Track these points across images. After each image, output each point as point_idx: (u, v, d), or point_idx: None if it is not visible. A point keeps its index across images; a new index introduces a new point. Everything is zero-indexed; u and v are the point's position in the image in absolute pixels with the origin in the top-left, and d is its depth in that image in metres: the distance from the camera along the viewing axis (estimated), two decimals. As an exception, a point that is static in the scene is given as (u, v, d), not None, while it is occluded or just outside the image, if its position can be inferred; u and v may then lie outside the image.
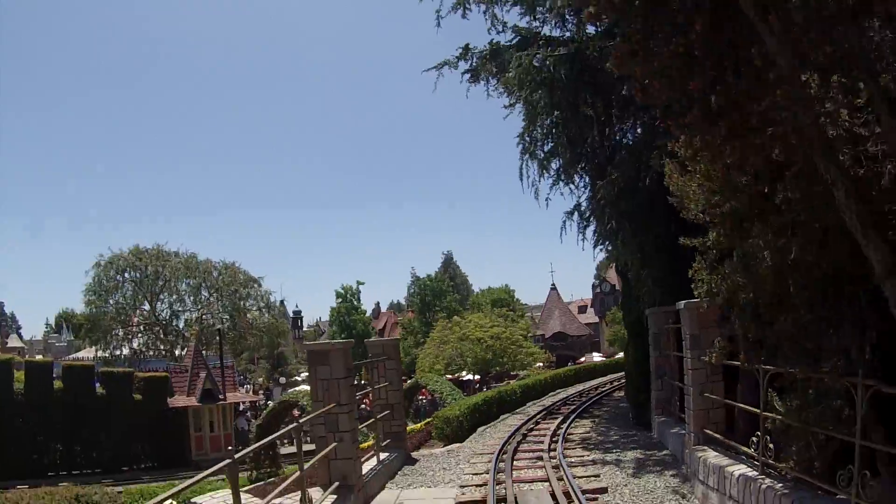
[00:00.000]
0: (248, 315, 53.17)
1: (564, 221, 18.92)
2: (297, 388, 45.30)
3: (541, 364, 49.24)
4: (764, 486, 7.42)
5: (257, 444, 11.48)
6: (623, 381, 25.32)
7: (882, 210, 5.39)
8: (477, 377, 44.88)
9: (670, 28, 5.52)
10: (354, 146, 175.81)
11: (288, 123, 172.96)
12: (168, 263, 50.88)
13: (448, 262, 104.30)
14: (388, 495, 10.99)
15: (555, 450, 14.12)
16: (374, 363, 13.81)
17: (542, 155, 17.00)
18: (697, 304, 9.33)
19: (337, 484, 9.36)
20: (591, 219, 16.92)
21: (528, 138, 16.76)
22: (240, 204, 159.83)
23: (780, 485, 7.25)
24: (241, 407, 42.52)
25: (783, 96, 4.99)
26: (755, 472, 8.01)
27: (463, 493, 10.72)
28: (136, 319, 50.93)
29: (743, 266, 6.72)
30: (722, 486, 8.82)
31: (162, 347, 50.43)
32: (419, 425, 23.10)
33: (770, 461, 7.75)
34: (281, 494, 7.68)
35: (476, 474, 12.20)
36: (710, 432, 10.10)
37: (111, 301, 50.32)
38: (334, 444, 9.50)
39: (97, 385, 34.44)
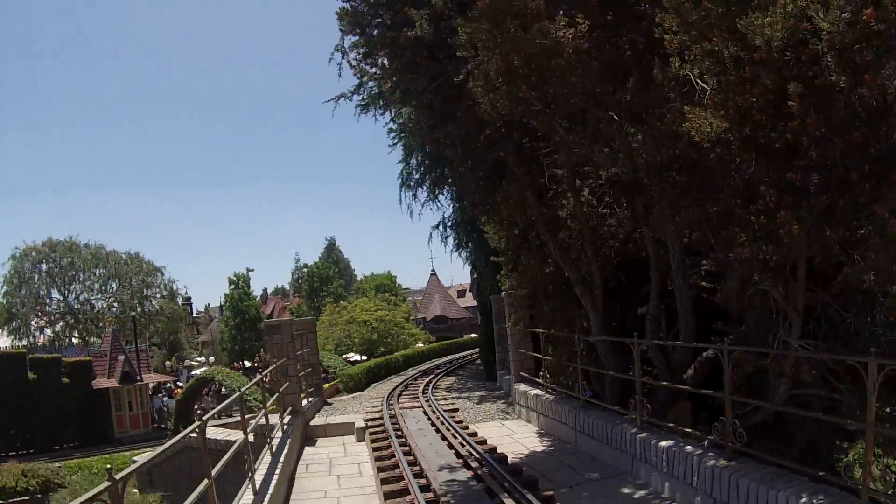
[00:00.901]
0: (153, 303, 56.92)
1: (431, 233, 25.64)
2: (197, 371, 50.05)
3: (421, 344, 53.57)
4: (545, 398, 13.63)
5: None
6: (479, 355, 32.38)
7: (571, 252, 11.59)
8: (364, 357, 50.34)
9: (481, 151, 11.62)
10: (240, 124, 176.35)
11: (173, 97, 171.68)
12: (79, 255, 53.93)
13: (331, 248, 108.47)
14: (319, 419, 16.61)
15: (427, 392, 20.49)
16: (302, 335, 19.45)
17: (414, 183, 23.36)
18: (513, 293, 15.48)
19: (290, 408, 15.03)
20: (451, 232, 23.42)
21: (405, 174, 22.98)
22: (118, 182, 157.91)
23: (553, 397, 13.47)
24: (151, 387, 45.14)
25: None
26: (542, 392, 14.22)
27: (367, 416, 16.57)
28: (50, 309, 53.39)
29: (519, 275, 12.82)
30: (527, 402, 15.00)
31: (75, 335, 53.28)
32: (327, 385, 29.09)
33: (549, 385, 13.97)
34: (252, 420, 13.19)
35: (374, 408, 18.14)
36: (523, 374, 16.32)
37: (25, 291, 52.87)
38: (286, 384, 15.10)
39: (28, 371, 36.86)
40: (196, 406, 36.41)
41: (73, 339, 53.32)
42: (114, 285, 55.82)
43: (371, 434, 14.19)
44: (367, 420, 15.82)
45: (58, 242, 54.25)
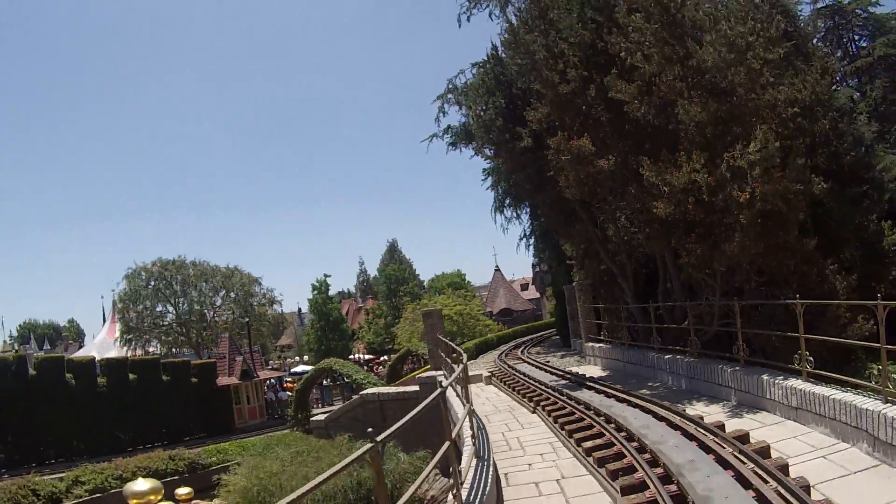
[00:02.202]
0: (256, 309, 65.57)
1: (518, 243, 35.56)
2: (298, 368, 60.15)
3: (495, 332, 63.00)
4: (605, 347, 22.98)
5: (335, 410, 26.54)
6: (553, 333, 41.83)
7: (615, 256, 20.93)
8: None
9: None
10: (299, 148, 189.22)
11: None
12: (187, 272, 62.86)
13: (393, 250, 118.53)
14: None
15: (523, 355, 30.15)
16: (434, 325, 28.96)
17: (504, 208, 33.11)
18: (581, 283, 24.87)
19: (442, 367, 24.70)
20: (532, 242, 33.04)
21: (497, 202, 32.82)
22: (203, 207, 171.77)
23: (609, 346, 22.84)
24: (267, 383, 53.04)
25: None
26: (603, 344, 23.53)
27: (489, 368, 26.09)
28: (164, 322, 62.11)
29: (584, 272, 22.22)
30: (593, 353, 24.31)
31: (189, 343, 61.52)
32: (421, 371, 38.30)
33: (606, 339, 23.32)
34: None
35: (491, 364, 27.66)
36: (591, 335, 25.63)
37: (141, 307, 61.26)
38: (451, 350, 24.71)
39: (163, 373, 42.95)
40: (310, 394, 45.15)
41: (184, 349, 61.29)
42: (218, 298, 64.46)
43: (497, 378, 23.56)
44: (491, 371, 25.18)
45: (167, 262, 62.68)
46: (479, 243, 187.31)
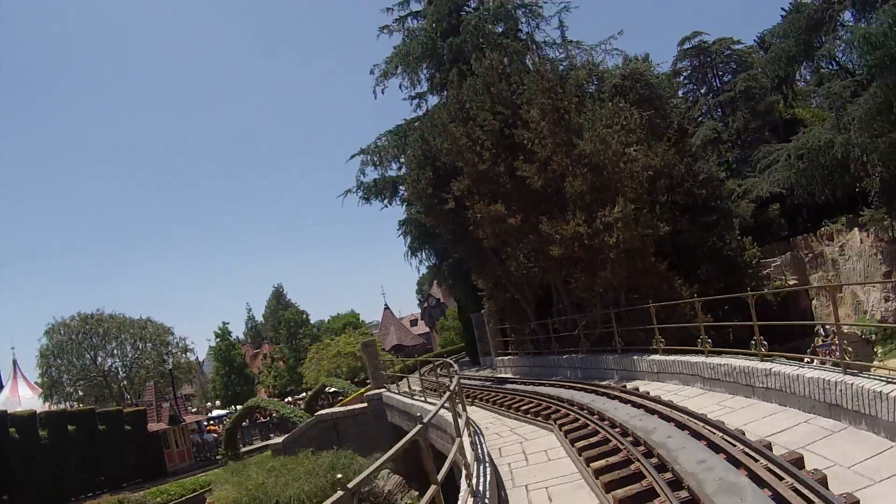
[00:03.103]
0: (173, 359, 69.15)
1: (428, 279, 42.11)
2: (214, 413, 64.79)
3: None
4: (513, 359, 29.79)
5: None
6: (457, 358, 48.23)
7: (518, 286, 27.86)
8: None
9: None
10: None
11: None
12: (106, 325, 65.41)
13: (279, 295, 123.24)
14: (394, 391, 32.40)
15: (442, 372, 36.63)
16: (372, 352, 35.03)
17: (419, 251, 39.81)
18: (488, 310, 31.64)
19: (380, 388, 30.92)
20: (446, 278, 39.66)
21: (411, 249, 39.59)
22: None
23: (517, 357, 29.66)
24: (192, 427, 57.37)
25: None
26: (514, 356, 30.29)
27: (416, 385, 32.46)
28: (87, 374, 64.05)
29: (493, 302, 29.00)
30: (504, 364, 31.01)
31: (111, 395, 63.69)
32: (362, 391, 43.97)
33: (514, 352, 30.14)
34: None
35: (417, 382, 33.97)
36: (499, 351, 32.34)
37: (61, 361, 63.21)
38: (388, 375, 30.95)
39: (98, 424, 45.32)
40: (238, 432, 49.81)
41: (110, 402, 61.57)
42: (136, 349, 67.24)
43: (430, 389, 29.95)
44: (422, 387, 31.64)
45: (87, 315, 65.17)
46: (369, 284, 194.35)
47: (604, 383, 18.25)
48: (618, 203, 20.39)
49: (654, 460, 9.27)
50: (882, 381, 9.23)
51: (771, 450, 8.47)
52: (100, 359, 66.03)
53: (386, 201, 41.33)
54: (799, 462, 8.00)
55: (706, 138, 42.52)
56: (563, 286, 25.06)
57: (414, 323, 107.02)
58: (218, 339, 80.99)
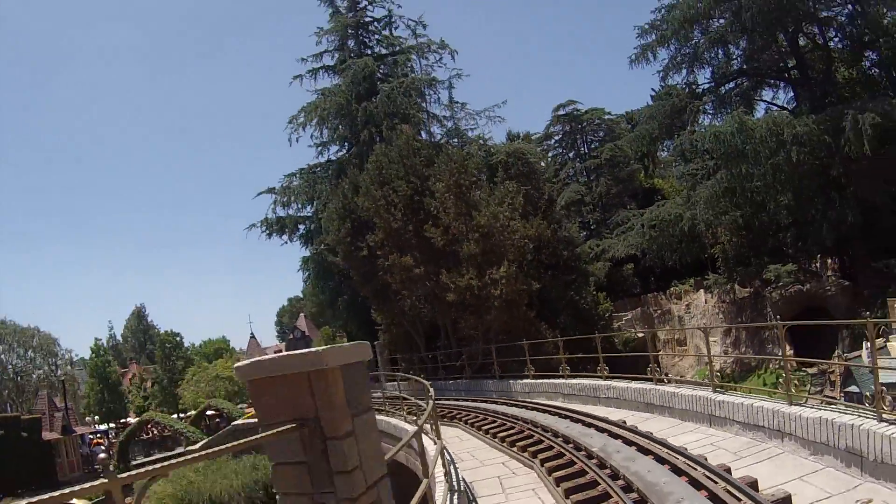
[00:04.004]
0: (61, 370, 71.01)
1: (323, 310, 48.21)
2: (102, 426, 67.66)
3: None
4: (405, 384, 36.27)
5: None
6: None
7: (412, 323, 34.57)
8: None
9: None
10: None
11: None
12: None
13: (140, 314, 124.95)
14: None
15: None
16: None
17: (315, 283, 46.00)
18: (383, 342, 38.05)
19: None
20: (342, 312, 45.80)
21: (310, 282, 45.66)
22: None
23: (411, 383, 36.18)
24: (85, 437, 59.47)
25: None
26: (403, 382, 36.78)
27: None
28: None
29: (389, 335, 35.52)
30: (395, 387, 37.48)
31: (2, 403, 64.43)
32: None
33: (404, 377, 36.68)
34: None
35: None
36: (389, 377, 38.73)
37: None
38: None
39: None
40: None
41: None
42: (21, 357, 69.62)
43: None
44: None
45: None
46: (235, 311, 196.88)
47: (485, 404, 24.85)
48: (503, 265, 27.37)
49: (533, 427, 15.97)
50: (673, 387, 16.33)
51: (605, 421, 15.30)
52: None
53: (287, 238, 47.50)
54: (621, 423, 14.70)
55: (570, 200, 50.22)
56: (451, 325, 31.79)
57: (278, 352, 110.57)
58: (93, 356, 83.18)
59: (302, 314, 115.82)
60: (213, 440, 37.75)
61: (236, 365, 4.81)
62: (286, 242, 47.65)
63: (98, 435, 65.29)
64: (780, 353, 21.42)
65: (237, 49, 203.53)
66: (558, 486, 10.78)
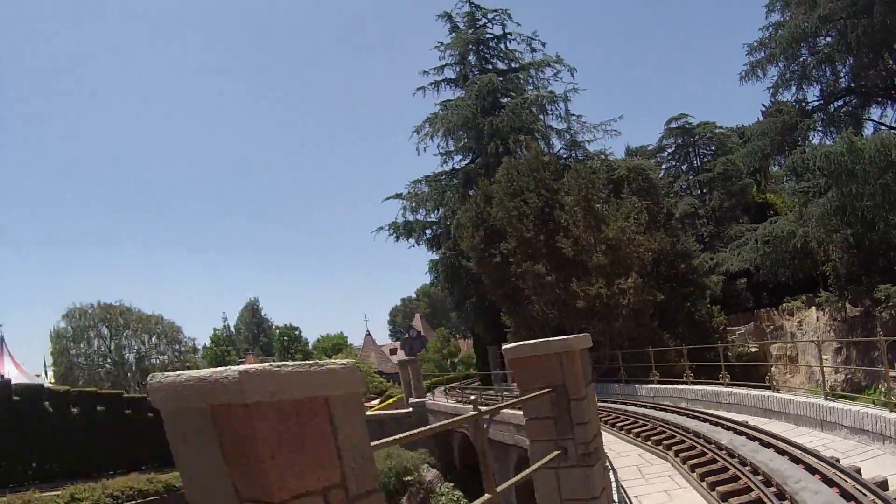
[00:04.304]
0: (184, 357, 75.62)
1: (452, 313, 51.45)
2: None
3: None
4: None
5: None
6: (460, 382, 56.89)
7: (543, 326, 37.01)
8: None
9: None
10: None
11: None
12: (126, 316, 71.71)
13: (254, 308, 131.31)
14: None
15: (463, 392, 45.26)
16: (415, 369, 43.83)
17: (444, 285, 49.13)
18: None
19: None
20: (469, 314, 48.44)
21: (438, 284, 48.92)
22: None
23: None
24: None
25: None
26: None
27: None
28: (102, 361, 70.58)
29: (518, 339, 37.93)
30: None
31: (120, 384, 67.33)
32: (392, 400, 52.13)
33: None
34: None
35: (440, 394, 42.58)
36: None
37: (81, 345, 69.74)
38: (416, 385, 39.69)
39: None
40: None
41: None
42: (146, 342, 74.43)
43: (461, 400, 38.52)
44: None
45: (108, 305, 71.87)
46: (349, 309, 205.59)
47: (614, 405, 27.01)
48: (631, 276, 29.51)
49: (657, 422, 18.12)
50: (790, 395, 18.26)
51: (730, 421, 17.29)
52: (114, 348, 72.82)
53: (414, 241, 50.68)
54: (744, 423, 16.70)
55: (684, 212, 51.49)
56: (577, 331, 34.00)
57: (393, 352, 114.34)
58: (212, 345, 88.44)
59: (417, 314, 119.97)
60: None
61: (506, 347, 6.53)
62: (413, 245, 50.89)
63: None
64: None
65: (362, 60, 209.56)
66: (693, 471, 12.92)
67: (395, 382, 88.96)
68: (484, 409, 4.75)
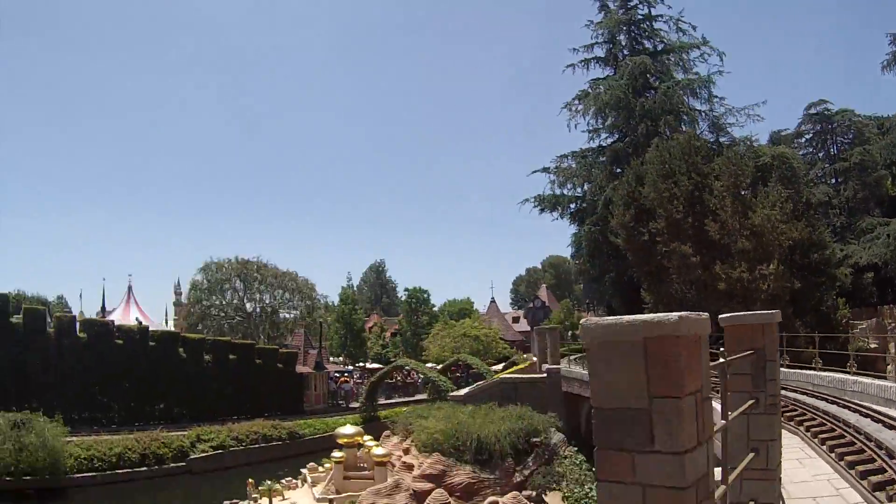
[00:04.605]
0: (317, 313, 78.42)
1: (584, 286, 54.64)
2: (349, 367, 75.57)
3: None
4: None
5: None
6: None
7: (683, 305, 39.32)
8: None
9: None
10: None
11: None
12: (263, 272, 74.32)
13: (379, 269, 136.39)
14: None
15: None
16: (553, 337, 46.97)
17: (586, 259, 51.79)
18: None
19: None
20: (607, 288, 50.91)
21: (580, 258, 51.75)
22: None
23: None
24: (331, 375, 64.65)
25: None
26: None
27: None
28: (240, 314, 73.01)
29: (655, 312, 40.14)
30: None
31: (251, 338, 67.98)
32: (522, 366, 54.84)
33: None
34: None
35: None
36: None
37: (215, 298, 72.36)
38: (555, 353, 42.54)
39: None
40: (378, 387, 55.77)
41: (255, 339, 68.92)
42: (277, 297, 75.98)
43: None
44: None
45: (245, 260, 74.05)
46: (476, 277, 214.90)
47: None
48: (772, 262, 31.60)
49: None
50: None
51: (856, 404, 19.37)
52: (248, 301, 75.15)
53: (559, 215, 53.44)
54: (868, 408, 18.83)
55: (819, 201, 51.58)
56: (715, 311, 36.03)
57: (516, 320, 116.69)
58: (341, 303, 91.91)
59: (544, 285, 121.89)
60: (478, 389, 42.30)
61: (722, 316, 7.29)
62: (557, 218, 53.41)
63: (344, 374, 70.67)
64: None
65: (515, 32, 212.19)
66: (823, 444, 14.95)
67: (518, 349, 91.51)
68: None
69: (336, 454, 30.59)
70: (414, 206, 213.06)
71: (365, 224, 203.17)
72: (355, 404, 58.65)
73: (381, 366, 78.20)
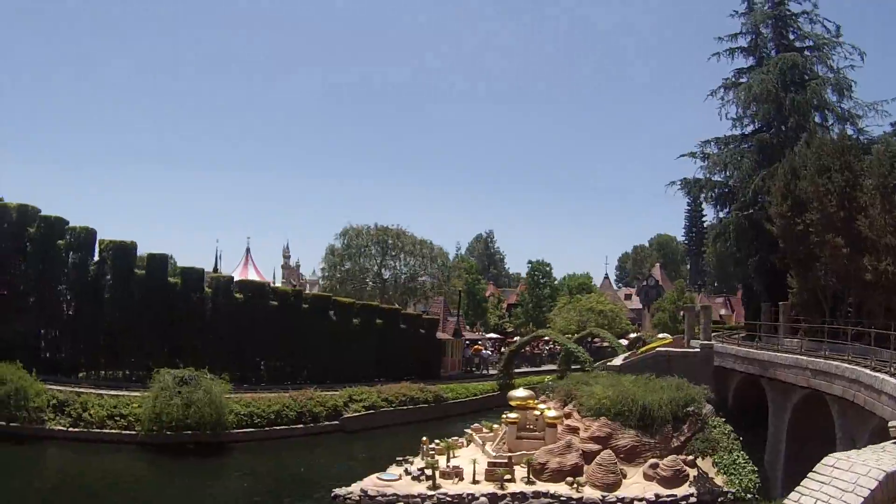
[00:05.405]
0: (452, 282, 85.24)
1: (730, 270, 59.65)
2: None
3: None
4: (804, 341, 45.40)
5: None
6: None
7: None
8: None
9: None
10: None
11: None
12: (402, 239, 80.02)
13: (487, 240, 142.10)
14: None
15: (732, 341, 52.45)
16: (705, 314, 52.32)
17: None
18: (785, 304, 47.15)
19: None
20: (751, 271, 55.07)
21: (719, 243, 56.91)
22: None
23: (810, 341, 45.31)
24: (467, 342, 70.20)
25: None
26: (802, 340, 45.83)
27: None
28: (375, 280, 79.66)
29: (800, 297, 44.76)
30: (792, 344, 46.55)
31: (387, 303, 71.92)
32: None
33: (805, 337, 45.74)
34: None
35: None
36: (788, 335, 47.73)
37: (351, 263, 78.89)
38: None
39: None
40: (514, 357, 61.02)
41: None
42: (411, 265, 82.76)
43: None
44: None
45: (385, 227, 79.64)
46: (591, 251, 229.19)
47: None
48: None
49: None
50: None
51: None
52: (383, 267, 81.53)
53: (703, 199, 57.93)
54: None
55: None
56: (858, 299, 40.42)
57: (628, 297, 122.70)
58: (466, 275, 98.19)
59: (658, 264, 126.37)
60: (630, 361, 46.66)
61: None
62: (700, 203, 57.59)
63: (478, 343, 74.85)
64: None
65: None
66: None
67: (637, 325, 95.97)
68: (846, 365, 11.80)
69: (511, 415, 34.51)
70: (522, 178, 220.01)
71: (474, 195, 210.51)
72: (489, 372, 63.61)
73: (497, 335, 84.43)
